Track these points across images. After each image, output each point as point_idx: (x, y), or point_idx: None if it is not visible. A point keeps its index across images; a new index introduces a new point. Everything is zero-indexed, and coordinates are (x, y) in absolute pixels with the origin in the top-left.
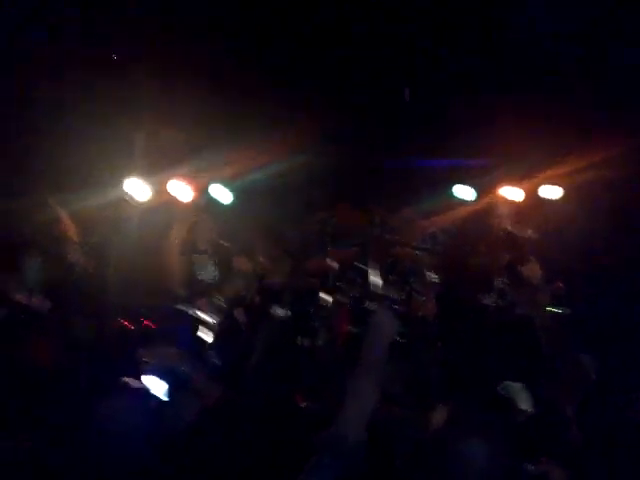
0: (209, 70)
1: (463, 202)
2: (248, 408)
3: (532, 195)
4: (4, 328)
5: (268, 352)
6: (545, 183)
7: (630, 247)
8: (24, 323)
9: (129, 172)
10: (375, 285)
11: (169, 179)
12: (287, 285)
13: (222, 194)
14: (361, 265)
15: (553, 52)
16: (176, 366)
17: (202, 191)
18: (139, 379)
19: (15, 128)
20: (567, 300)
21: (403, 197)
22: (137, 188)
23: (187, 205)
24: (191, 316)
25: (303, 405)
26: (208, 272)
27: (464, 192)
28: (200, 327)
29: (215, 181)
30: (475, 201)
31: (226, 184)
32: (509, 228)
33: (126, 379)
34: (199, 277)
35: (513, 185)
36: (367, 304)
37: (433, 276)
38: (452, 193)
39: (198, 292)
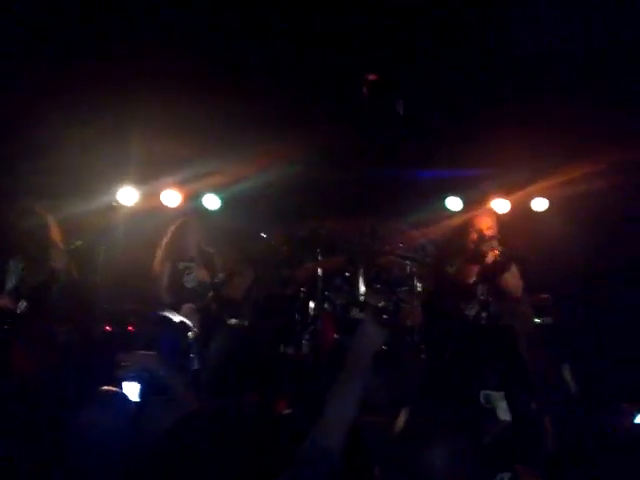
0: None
1: (452, 213)
2: (224, 416)
3: (520, 207)
4: None
5: (221, 362)
6: (534, 195)
7: (617, 258)
8: (7, 328)
9: (118, 179)
10: (362, 294)
11: (158, 186)
12: (246, 295)
13: (211, 202)
14: (349, 274)
15: (544, 64)
16: (155, 371)
17: (190, 199)
18: (118, 385)
19: (4, 133)
20: (551, 311)
21: (393, 207)
22: (126, 195)
23: (175, 212)
24: (175, 322)
25: (285, 413)
26: (193, 279)
27: (454, 203)
28: (183, 334)
29: (204, 190)
30: (461, 212)
31: (215, 192)
32: (484, 240)
33: (105, 387)
34: (185, 284)
35: (502, 197)
36: (353, 312)
37: (419, 286)
38: (442, 204)
39: (184, 299)
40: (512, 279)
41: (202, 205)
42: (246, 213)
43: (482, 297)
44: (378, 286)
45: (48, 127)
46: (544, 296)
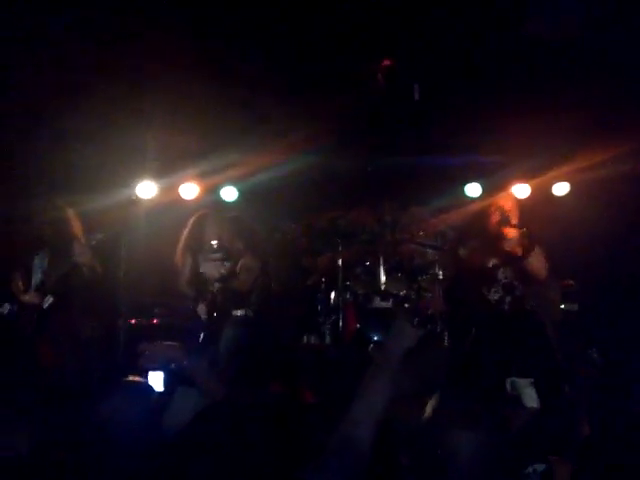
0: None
1: (472, 200)
2: (250, 406)
3: (541, 191)
4: (12, 327)
5: (230, 353)
6: (555, 180)
7: (638, 242)
8: (31, 322)
9: (137, 173)
10: (383, 283)
11: (176, 180)
12: (254, 287)
13: (229, 194)
14: (369, 263)
15: (562, 49)
16: (179, 361)
17: (209, 191)
18: (142, 375)
19: (25, 129)
20: (576, 297)
21: (412, 196)
22: (144, 189)
23: (193, 205)
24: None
25: (311, 402)
26: (214, 271)
27: (473, 190)
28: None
29: (222, 182)
30: (481, 198)
31: (233, 184)
32: (507, 221)
33: (129, 377)
34: (206, 276)
35: (522, 182)
36: (375, 302)
37: (440, 273)
38: (462, 191)
39: (205, 291)
40: (536, 261)
41: (220, 197)
42: (264, 205)
43: (505, 280)
44: (399, 275)
45: (68, 123)
46: (569, 282)
